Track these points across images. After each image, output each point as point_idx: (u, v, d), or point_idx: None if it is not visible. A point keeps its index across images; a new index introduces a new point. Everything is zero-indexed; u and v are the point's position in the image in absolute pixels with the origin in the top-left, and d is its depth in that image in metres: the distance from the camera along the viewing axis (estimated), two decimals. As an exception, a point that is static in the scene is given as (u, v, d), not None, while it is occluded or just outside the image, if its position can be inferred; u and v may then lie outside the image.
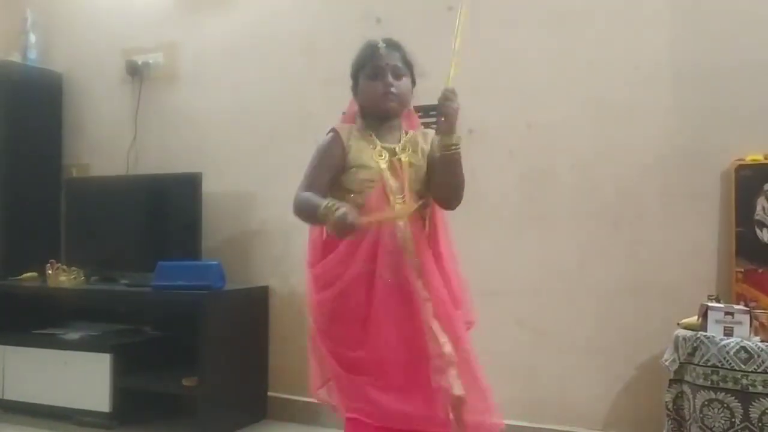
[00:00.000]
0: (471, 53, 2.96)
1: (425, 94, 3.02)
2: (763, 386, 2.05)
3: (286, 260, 3.28)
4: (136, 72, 3.67)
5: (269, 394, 3.30)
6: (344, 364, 1.93)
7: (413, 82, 2.10)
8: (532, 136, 2.89)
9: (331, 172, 2.02)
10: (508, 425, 2.82)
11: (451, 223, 2.96)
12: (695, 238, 2.60)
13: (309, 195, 1.95)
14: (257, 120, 3.46)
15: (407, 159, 2.01)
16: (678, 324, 2.36)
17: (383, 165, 1.98)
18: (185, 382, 3.02)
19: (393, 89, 1.98)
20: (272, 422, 3.25)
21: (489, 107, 2.95)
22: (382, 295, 1.92)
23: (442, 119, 1.90)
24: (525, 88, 2.90)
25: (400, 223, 1.95)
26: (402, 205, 1.94)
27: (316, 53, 3.29)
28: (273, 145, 3.38)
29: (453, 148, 1.90)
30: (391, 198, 1.95)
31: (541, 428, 2.78)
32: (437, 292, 1.93)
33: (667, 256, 2.65)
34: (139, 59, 3.67)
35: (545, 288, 2.84)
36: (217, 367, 3.03)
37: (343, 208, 1.80)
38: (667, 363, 2.29)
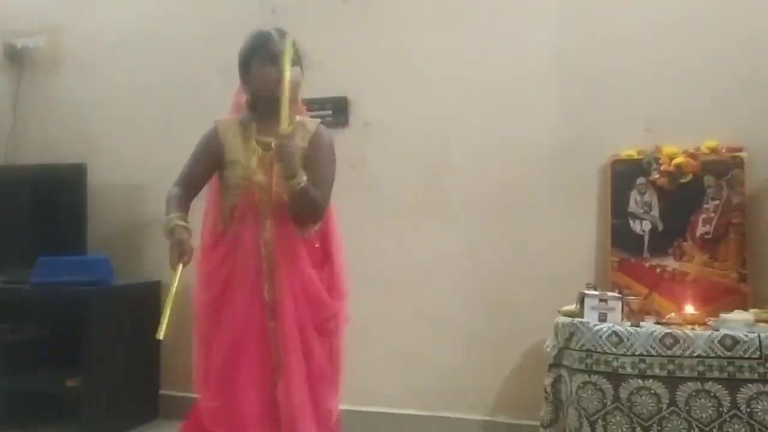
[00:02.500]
0: (367, 48, 3.02)
1: (315, 87, 3.04)
2: (632, 368, 2.18)
3: (179, 254, 3.18)
4: (15, 56, 3.47)
5: (161, 392, 3.21)
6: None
7: (304, 71, 2.03)
8: (426, 128, 2.94)
9: (207, 166, 2.02)
10: (401, 414, 2.90)
11: (349, 214, 2.99)
12: (576, 229, 2.74)
13: (173, 196, 1.96)
14: (150, 109, 3.34)
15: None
16: (559, 311, 2.47)
17: (254, 162, 1.94)
18: (69, 382, 2.89)
19: (272, 78, 1.91)
20: (165, 421, 3.15)
21: (384, 100, 2.99)
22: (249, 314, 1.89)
23: (282, 164, 1.85)
24: (419, 82, 2.95)
25: (266, 223, 1.92)
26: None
27: (213, 41, 3.21)
28: (167, 136, 3.27)
29: (297, 188, 1.85)
30: (258, 196, 1.93)
31: (433, 416, 2.85)
32: (285, 299, 1.89)
33: (552, 247, 2.77)
34: (19, 43, 3.46)
35: (440, 278, 2.91)
36: (104, 366, 2.91)
37: (177, 236, 1.82)
38: (548, 349, 2.40)
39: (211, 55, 3.19)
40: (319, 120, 2.10)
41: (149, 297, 3.20)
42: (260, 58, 1.95)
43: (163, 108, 3.31)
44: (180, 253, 1.81)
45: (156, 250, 3.27)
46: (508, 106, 2.84)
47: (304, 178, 1.85)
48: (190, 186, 2.02)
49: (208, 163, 2.01)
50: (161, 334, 1.78)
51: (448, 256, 2.90)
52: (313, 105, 2.99)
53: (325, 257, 2.02)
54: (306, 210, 1.92)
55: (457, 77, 2.90)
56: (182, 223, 1.87)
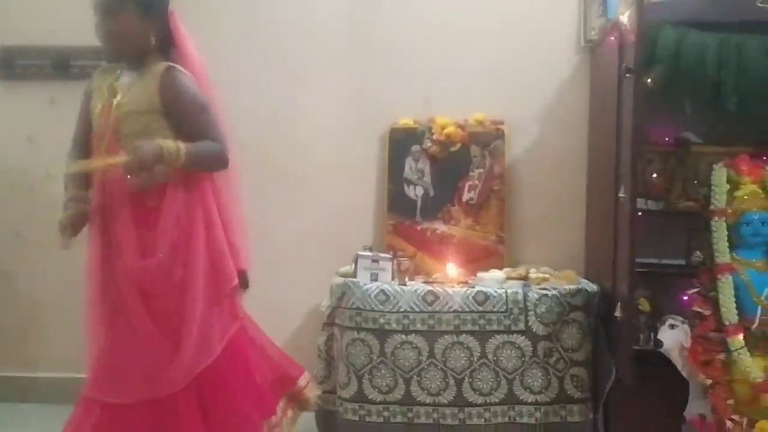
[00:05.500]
0: None
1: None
2: (396, 324, 2.31)
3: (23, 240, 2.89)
4: None
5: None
6: None
7: (147, 15, 1.86)
8: (220, 93, 2.85)
9: (83, 120, 1.94)
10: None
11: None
12: (359, 194, 2.84)
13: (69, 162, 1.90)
14: None
15: (117, 103, 1.83)
16: (336, 273, 2.54)
17: (97, 109, 1.86)
18: None
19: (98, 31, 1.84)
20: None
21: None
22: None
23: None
24: (212, 44, 2.84)
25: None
26: (93, 161, 1.85)
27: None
28: None
29: (179, 163, 1.83)
30: (96, 145, 1.84)
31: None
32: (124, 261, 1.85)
33: (336, 212, 2.85)
34: None
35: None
36: None
37: (69, 211, 1.83)
38: (323, 308, 2.47)
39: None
40: (166, 63, 1.90)
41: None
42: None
43: None
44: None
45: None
46: (296, 72, 2.84)
47: (182, 150, 1.81)
48: (81, 145, 1.96)
49: (84, 116, 1.93)
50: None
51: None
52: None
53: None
54: (207, 165, 1.92)
55: (247, 41, 2.85)
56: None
